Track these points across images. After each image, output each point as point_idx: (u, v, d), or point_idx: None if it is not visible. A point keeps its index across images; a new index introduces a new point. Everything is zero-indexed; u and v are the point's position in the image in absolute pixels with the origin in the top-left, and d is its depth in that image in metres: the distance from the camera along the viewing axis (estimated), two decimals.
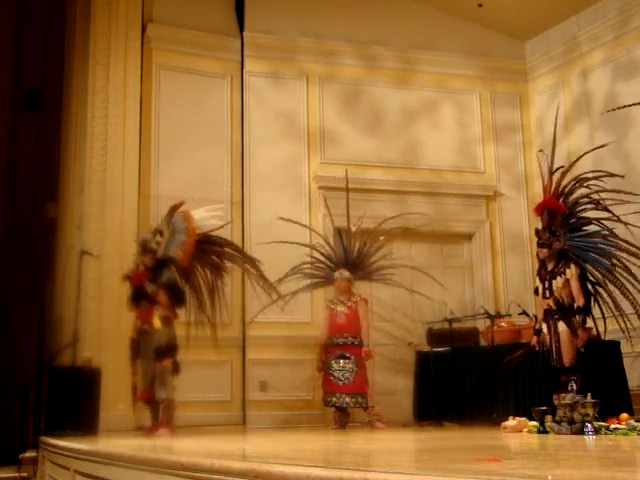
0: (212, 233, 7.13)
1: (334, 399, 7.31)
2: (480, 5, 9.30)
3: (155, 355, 6.40)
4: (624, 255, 6.41)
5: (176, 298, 6.62)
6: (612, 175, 6.71)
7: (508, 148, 9.68)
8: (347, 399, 7.27)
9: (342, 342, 7.36)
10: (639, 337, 6.80)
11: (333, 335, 7.42)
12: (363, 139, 9.21)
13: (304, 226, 8.16)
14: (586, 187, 6.73)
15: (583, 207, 6.68)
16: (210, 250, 7.13)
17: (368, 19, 9.42)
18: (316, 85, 9.21)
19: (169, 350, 6.46)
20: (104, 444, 5.02)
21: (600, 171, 6.77)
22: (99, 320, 7.56)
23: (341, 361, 7.31)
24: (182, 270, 6.93)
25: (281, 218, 7.91)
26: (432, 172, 9.36)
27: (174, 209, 6.90)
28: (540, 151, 7.01)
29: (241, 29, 9.11)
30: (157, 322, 6.49)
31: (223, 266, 7.18)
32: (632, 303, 6.32)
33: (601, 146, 7.13)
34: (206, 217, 7.10)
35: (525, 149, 9.68)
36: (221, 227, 7.23)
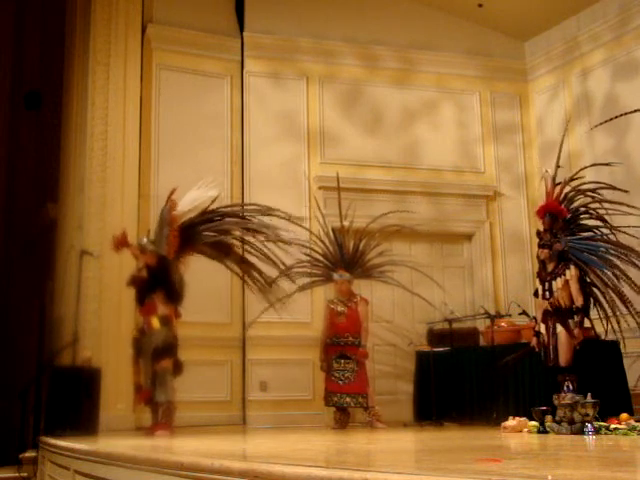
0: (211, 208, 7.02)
1: (335, 399, 7.32)
2: (480, 5, 9.31)
3: (153, 356, 6.37)
4: (622, 258, 6.46)
5: (169, 295, 6.50)
6: (613, 188, 6.76)
7: (508, 148, 9.67)
8: (348, 399, 7.28)
9: (343, 342, 7.37)
10: (636, 338, 6.81)
11: (334, 335, 7.42)
12: (363, 139, 9.20)
13: (288, 220, 7.87)
14: (586, 196, 6.80)
15: (582, 215, 6.75)
16: (208, 229, 6.98)
17: (368, 19, 9.42)
18: (316, 85, 9.20)
19: (166, 350, 6.40)
20: (104, 444, 5.02)
21: (600, 182, 6.84)
22: (99, 320, 7.56)
23: (342, 361, 7.32)
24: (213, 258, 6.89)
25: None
26: (432, 172, 9.36)
27: (166, 200, 6.81)
28: (546, 171, 7.03)
29: (241, 29, 9.11)
30: (155, 322, 6.44)
31: (228, 241, 7.04)
32: (626, 306, 6.36)
33: (605, 164, 7.25)
34: (200, 195, 6.92)
35: (525, 149, 9.68)
36: (217, 196, 7.05)
